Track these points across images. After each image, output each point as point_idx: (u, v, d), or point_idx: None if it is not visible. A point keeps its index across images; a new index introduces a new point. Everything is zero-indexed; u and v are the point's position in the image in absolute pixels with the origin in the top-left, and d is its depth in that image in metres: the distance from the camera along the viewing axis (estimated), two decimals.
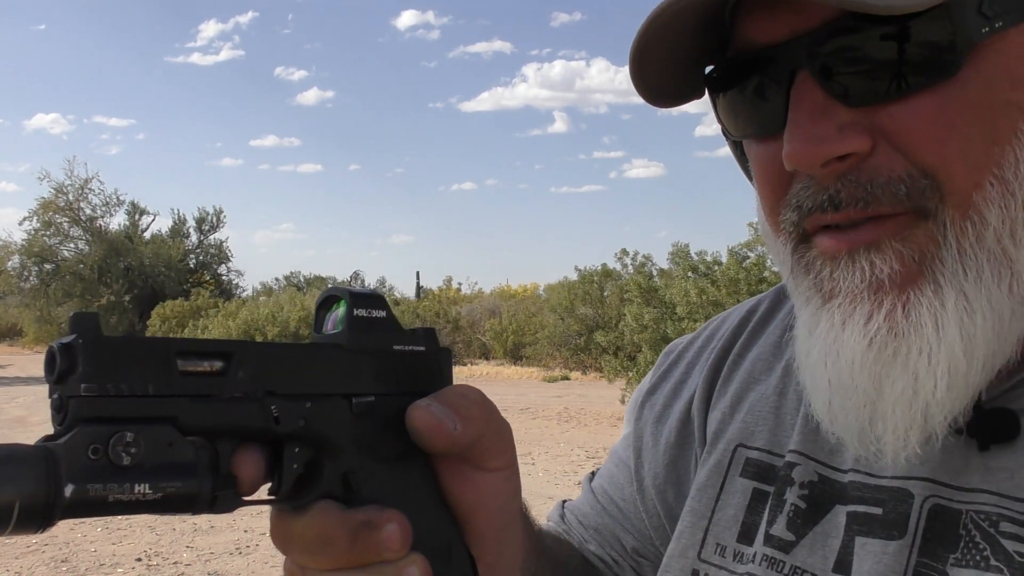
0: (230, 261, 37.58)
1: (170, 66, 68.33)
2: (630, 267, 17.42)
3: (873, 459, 0.49)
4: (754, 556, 0.55)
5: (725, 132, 0.53)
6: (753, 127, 0.50)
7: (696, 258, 12.81)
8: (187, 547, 5.37)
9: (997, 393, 0.49)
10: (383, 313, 0.54)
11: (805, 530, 0.53)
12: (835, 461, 0.54)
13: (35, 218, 33.15)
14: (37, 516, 0.40)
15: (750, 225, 11.36)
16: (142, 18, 72.94)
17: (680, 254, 13.20)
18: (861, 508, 0.51)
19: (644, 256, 17.69)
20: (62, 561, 5.08)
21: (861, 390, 0.47)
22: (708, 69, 0.51)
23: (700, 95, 0.53)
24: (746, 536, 0.57)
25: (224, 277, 37.37)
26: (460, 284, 32.85)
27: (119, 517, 5.97)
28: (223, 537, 5.60)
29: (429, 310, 22.83)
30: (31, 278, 33.61)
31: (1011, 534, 0.44)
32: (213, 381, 0.47)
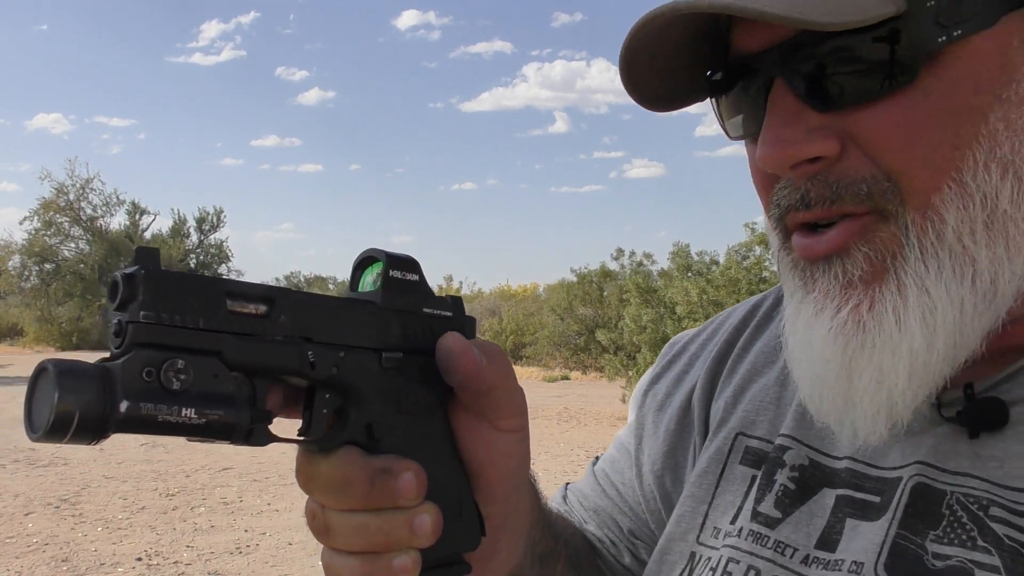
0: (230, 261, 37.60)
1: (171, 66, 68.36)
2: (627, 267, 17.42)
3: (863, 448, 0.53)
4: (739, 531, 0.58)
5: (726, 133, 0.57)
6: (744, 129, 0.54)
7: (696, 258, 12.82)
8: (187, 547, 5.37)
9: (989, 384, 0.51)
10: (416, 277, 0.57)
11: (792, 509, 0.56)
12: (827, 448, 0.57)
13: (36, 218, 33.17)
14: (92, 427, 0.43)
15: (746, 226, 11.37)
16: (144, 18, 72.93)
17: (680, 254, 13.21)
18: (858, 495, 0.53)
19: (644, 255, 17.68)
20: (62, 560, 5.08)
21: (833, 379, 0.50)
22: (709, 73, 0.55)
23: (692, 101, 0.56)
24: (736, 516, 0.60)
25: (224, 277, 37.36)
26: (460, 284, 32.85)
27: (119, 516, 5.99)
28: (223, 537, 5.61)
29: None
30: (31, 278, 33.62)
31: (1000, 519, 0.46)
32: (257, 322, 0.50)
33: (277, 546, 5.37)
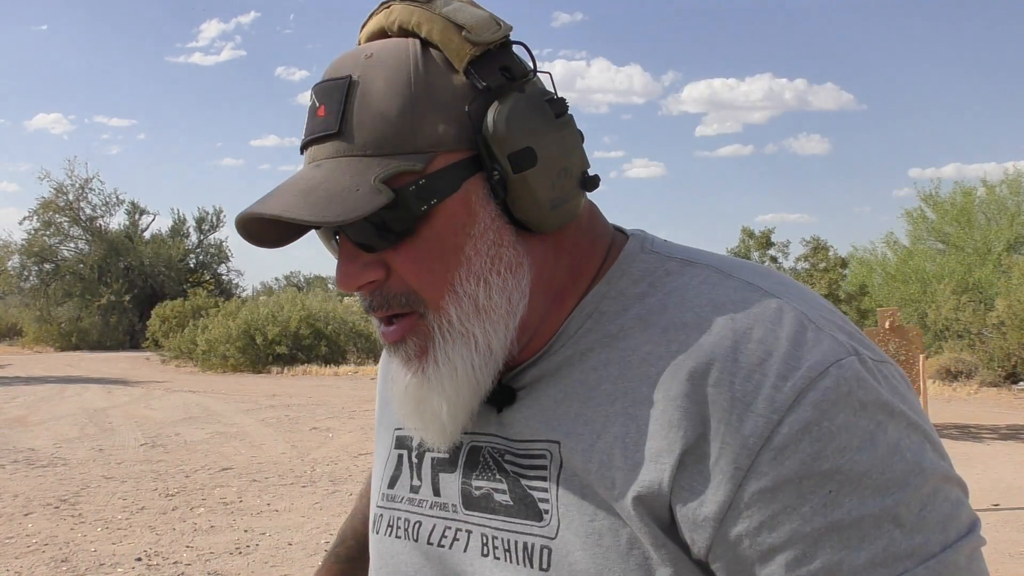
0: (230, 261, 37.57)
1: (171, 66, 68.33)
2: None
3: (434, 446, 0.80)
4: (401, 497, 0.84)
5: (329, 252, 0.80)
6: (335, 253, 0.76)
7: None
8: (187, 547, 5.35)
9: (508, 377, 0.77)
10: None
11: (420, 474, 0.83)
12: None
13: (35, 218, 33.13)
14: None
15: (743, 230, 11.38)
16: (143, 18, 72.90)
17: None
18: (437, 455, 0.81)
19: None
20: (62, 561, 5.06)
21: (412, 411, 0.76)
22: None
23: (299, 236, 0.78)
24: (392, 484, 0.86)
25: (224, 277, 37.34)
26: None
27: (119, 516, 5.99)
28: (223, 537, 5.59)
29: None
30: (31, 278, 33.57)
31: (509, 460, 0.75)
32: None
33: (277, 546, 5.36)
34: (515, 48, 0.73)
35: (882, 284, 18.98)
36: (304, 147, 0.73)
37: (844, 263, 10.88)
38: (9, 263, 33.10)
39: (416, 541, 0.80)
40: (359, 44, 0.76)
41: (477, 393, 0.74)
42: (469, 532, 0.75)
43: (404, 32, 0.72)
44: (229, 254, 37.23)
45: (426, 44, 0.71)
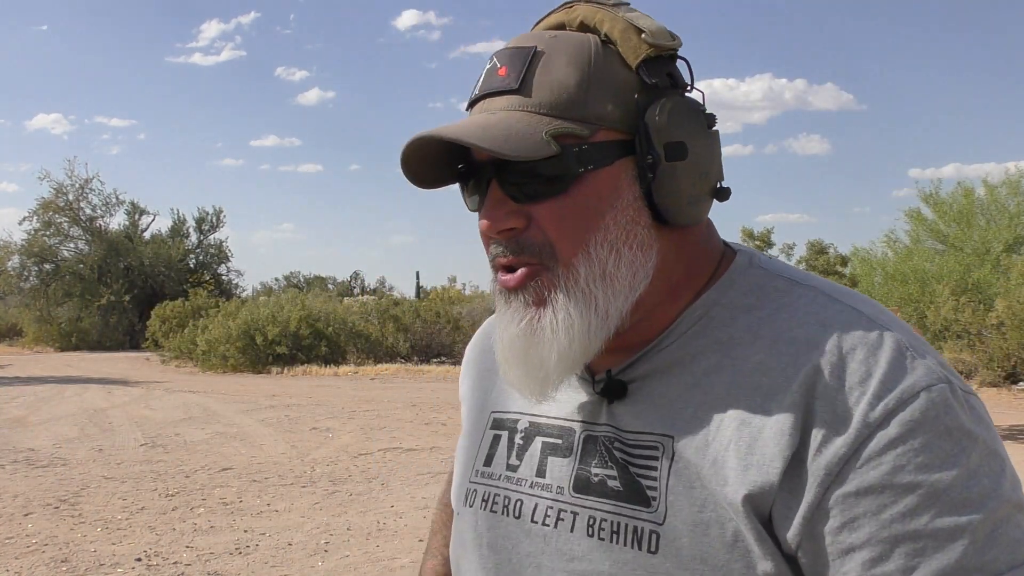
0: (230, 261, 37.58)
1: (171, 66, 68.35)
2: None
3: (535, 401, 0.84)
4: (498, 475, 0.89)
5: (467, 205, 0.86)
6: (476, 206, 0.82)
7: None
8: (187, 547, 5.35)
9: (619, 370, 0.83)
10: None
11: (522, 455, 0.87)
12: (537, 411, 0.89)
13: (35, 218, 33.13)
14: None
15: (743, 231, 11.37)
16: (144, 19, 72.91)
17: None
18: (550, 440, 0.86)
19: None
20: (62, 561, 5.06)
21: (516, 362, 0.80)
22: (460, 167, 0.84)
23: (448, 183, 0.85)
24: (488, 462, 0.91)
25: (224, 277, 37.33)
26: (464, 284, 32.86)
27: (119, 516, 5.99)
28: (223, 537, 5.59)
29: (429, 310, 22.81)
30: (31, 278, 33.56)
31: (619, 448, 0.80)
32: None
33: (277, 546, 5.36)
34: (679, 62, 0.83)
35: (882, 284, 18.97)
36: (476, 101, 0.81)
37: (844, 261, 10.87)
38: (9, 263, 33.10)
39: (518, 518, 0.84)
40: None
41: (586, 353, 0.79)
42: (575, 514, 0.80)
43: (584, 28, 0.81)
44: (229, 254, 37.28)
45: (604, 42, 0.80)
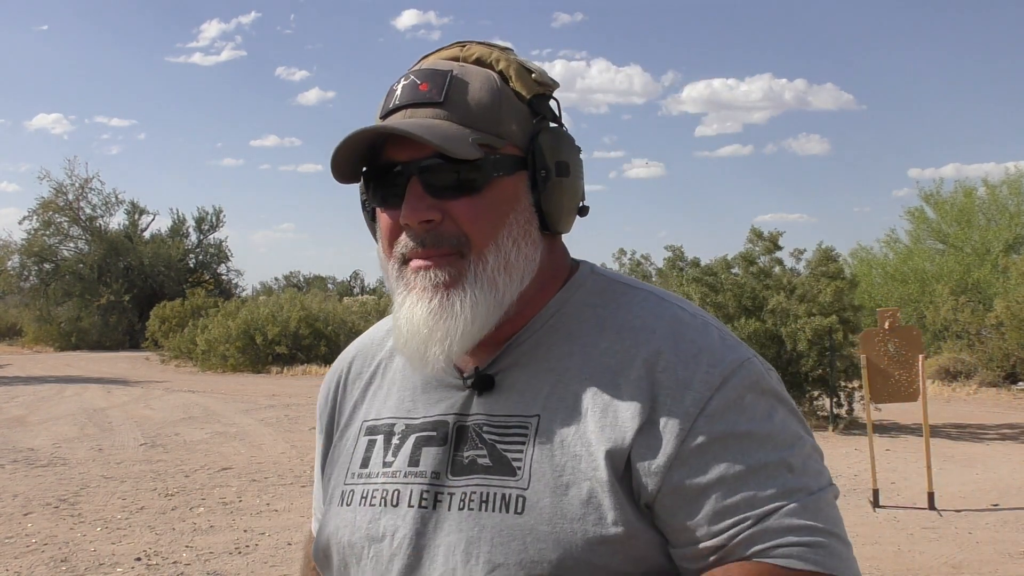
0: (230, 261, 37.55)
1: (171, 66, 68.22)
2: (626, 267, 17.40)
3: (424, 408, 0.98)
4: (375, 473, 0.98)
5: (363, 203, 1.00)
6: (385, 202, 0.94)
7: (688, 261, 12.82)
8: (187, 547, 5.35)
9: (486, 365, 0.95)
10: None
11: (398, 453, 0.97)
12: (411, 414, 1.00)
13: (35, 218, 33.11)
14: None
15: (752, 231, 11.36)
16: (144, 19, 72.80)
17: (676, 256, 13.21)
18: (424, 433, 0.97)
19: (642, 256, 17.65)
20: (61, 561, 5.06)
21: (422, 336, 0.91)
22: (364, 168, 0.96)
23: (357, 180, 0.97)
24: (365, 464, 1.00)
25: (224, 277, 37.32)
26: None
27: (118, 516, 5.99)
28: (223, 537, 5.59)
29: None
30: (31, 278, 33.54)
31: (488, 431, 0.92)
32: None
33: (276, 546, 5.36)
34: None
35: (882, 284, 18.98)
36: (396, 110, 0.93)
37: (840, 270, 10.80)
38: (9, 263, 33.08)
39: (395, 507, 0.95)
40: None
41: (480, 332, 0.92)
42: (452, 494, 0.92)
43: (480, 63, 0.96)
44: (229, 254, 37.25)
45: (500, 77, 0.95)
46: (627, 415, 0.87)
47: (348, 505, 0.99)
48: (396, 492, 0.95)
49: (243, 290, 38.40)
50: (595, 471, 0.86)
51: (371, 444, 1.01)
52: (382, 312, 22.80)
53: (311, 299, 22.86)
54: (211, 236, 36.92)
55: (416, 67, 0.97)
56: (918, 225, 19.93)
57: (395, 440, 0.99)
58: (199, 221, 36.74)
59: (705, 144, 73.44)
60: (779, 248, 11.32)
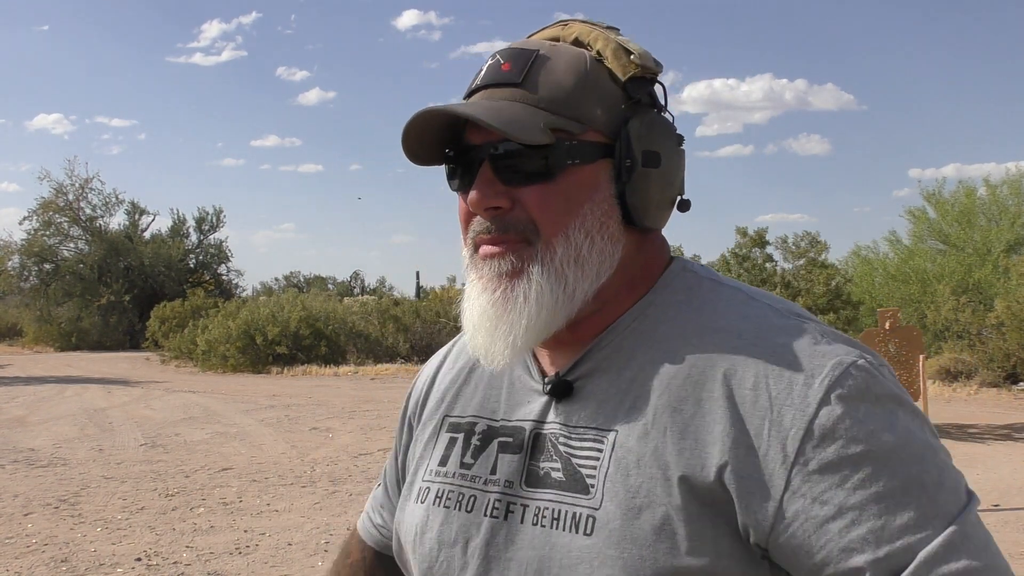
0: (230, 261, 37.53)
1: (172, 66, 68.23)
2: None
3: (507, 412, 0.94)
4: (452, 473, 0.95)
5: (451, 186, 0.94)
6: (461, 186, 0.91)
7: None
8: (187, 547, 5.35)
9: (565, 370, 0.91)
10: None
11: (478, 455, 0.94)
12: (494, 415, 0.96)
13: (35, 218, 33.10)
14: None
15: (737, 230, 11.36)
16: (144, 19, 72.83)
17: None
18: (503, 439, 0.93)
19: None
20: (61, 561, 5.06)
21: (485, 329, 0.88)
22: (447, 150, 0.92)
23: (439, 163, 0.93)
24: (443, 462, 0.97)
25: (224, 277, 37.30)
26: (463, 284, 32.75)
27: (119, 516, 5.99)
28: (223, 537, 5.59)
29: (429, 310, 22.80)
30: (31, 278, 33.52)
31: (563, 443, 0.87)
32: None
33: (277, 546, 5.36)
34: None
35: (882, 284, 18.97)
36: (477, 90, 0.89)
37: (825, 248, 10.78)
38: (9, 263, 33.06)
39: (469, 512, 0.91)
40: None
41: (549, 327, 0.87)
42: (525, 506, 0.87)
43: (578, 43, 0.91)
44: (229, 254, 37.22)
45: (596, 58, 0.89)
46: (710, 438, 0.79)
47: (422, 503, 0.96)
48: (472, 498, 0.91)
49: (243, 290, 38.41)
50: (670, 497, 0.79)
51: (452, 442, 0.97)
52: (383, 312, 22.88)
53: (311, 299, 22.86)
54: (211, 236, 36.91)
55: (511, 45, 0.91)
56: (919, 225, 19.92)
57: (475, 440, 0.95)
58: (199, 221, 36.72)
59: (706, 144, 73.43)
60: (767, 243, 11.32)
